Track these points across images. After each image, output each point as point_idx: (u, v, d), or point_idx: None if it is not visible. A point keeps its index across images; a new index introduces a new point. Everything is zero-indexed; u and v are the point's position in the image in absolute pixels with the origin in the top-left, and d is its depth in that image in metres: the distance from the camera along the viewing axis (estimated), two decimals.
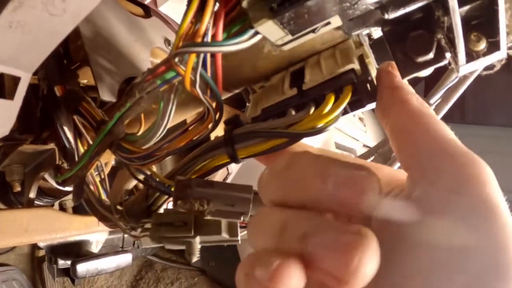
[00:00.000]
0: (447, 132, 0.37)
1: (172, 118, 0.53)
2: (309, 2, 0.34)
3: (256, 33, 0.40)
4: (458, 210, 0.33)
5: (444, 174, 0.34)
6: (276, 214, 0.35)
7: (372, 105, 0.46)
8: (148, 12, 0.85)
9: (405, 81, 0.43)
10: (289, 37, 0.39)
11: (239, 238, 0.54)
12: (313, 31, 0.39)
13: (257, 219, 0.37)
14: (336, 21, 0.39)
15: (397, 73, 0.44)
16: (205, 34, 0.40)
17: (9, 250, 1.54)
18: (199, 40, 0.40)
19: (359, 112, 1.75)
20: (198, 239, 0.54)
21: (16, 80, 0.44)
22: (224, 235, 0.53)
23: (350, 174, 0.32)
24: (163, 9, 0.76)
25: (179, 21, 0.79)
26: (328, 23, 0.39)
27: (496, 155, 3.34)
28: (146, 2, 0.72)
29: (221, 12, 0.41)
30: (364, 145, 2.22)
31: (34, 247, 1.33)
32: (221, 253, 2.07)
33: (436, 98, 1.00)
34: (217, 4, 0.41)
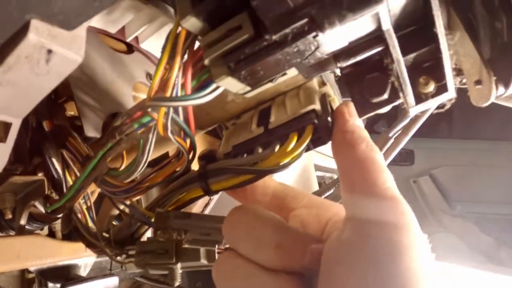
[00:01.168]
0: (384, 179, 0.40)
1: (152, 154, 0.57)
2: (261, 61, 0.38)
3: (218, 86, 0.44)
4: (369, 253, 0.38)
5: (366, 222, 0.39)
6: (229, 261, 0.46)
7: None
8: (130, 48, 0.88)
9: (359, 124, 0.46)
10: (249, 88, 0.43)
11: None
12: (270, 81, 0.42)
13: (217, 264, 0.48)
14: (292, 71, 0.42)
15: (352, 115, 0.46)
16: (174, 86, 0.44)
17: (0, 272, 1.55)
18: (168, 94, 0.44)
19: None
20: (179, 265, 0.57)
21: (7, 125, 0.48)
22: (203, 261, 0.56)
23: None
24: (144, 45, 0.79)
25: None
26: (285, 74, 0.42)
27: (484, 168, 3.37)
28: (128, 40, 0.76)
29: (189, 63, 0.45)
30: None
31: (24, 269, 1.34)
32: (207, 274, 2.08)
33: (395, 131, 1.04)
34: (187, 55, 0.45)
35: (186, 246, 0.54)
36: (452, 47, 0.46)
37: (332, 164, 1.88)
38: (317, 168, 1.75)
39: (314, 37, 0.36)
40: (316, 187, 1.65)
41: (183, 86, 0.45)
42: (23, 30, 0.35)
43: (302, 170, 1.50)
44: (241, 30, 0.37)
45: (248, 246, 0.45)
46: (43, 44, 0.36)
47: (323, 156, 1.74)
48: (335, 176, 2.02)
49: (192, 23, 0.39)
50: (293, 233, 0.44)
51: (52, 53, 0.37)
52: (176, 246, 0.56)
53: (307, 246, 0.43)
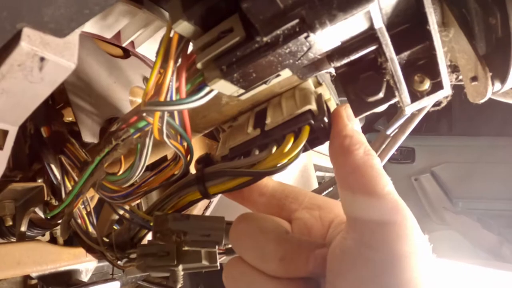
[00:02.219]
0: (383, 184, 0.40)
1: (150, 158, 0.57)
2: (253, 63, 0.38)
3: (212, 90, 0.44)
4: (371, 266, 0.39)
5: (367, 230, 0.40)
6: (236, 267, 0.48)
7: None
8: (126, 52, 0.88)
9: (357, 128, 0.46)
10: (242, 90, 0.43)
11: (218, 264, 0.58)
12: (264, 83, 0.42)
13: (226, 268, 0.50)
14: (285, 72, 0.42)
15: (351, 118, 0.46)
16: (168, 90, 0.44)
17: (2, 278, 1.55)
18: (162, 98, 0.44)
19: None
20: (181, 267, 0.57)
21: (4, 132, 0.49)
22: (205, 262, 0.56)
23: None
24: (140, 50, 0.79)
25: None
26: (278, 75, 0.42)
27: (485, 165, 3.37)
28: (124, 45, 0.76)
29: (183, 67, 0.45)
30: None
31: (27, 275, 1.34)
32: (209, 276, 2.08)
33: (392, 129, 1.04)
34: (180, 59, 0.45)
35: (185, 248, 0.54)
36: (446, 44, 0.46)
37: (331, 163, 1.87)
38: (317, 168, 1.75)
39: (306, 37, 0.36)
40: (316, 187, 1.65)
41: (178, 90, 0.45)
42: (15, 39, 0.35)
43: (302, 170, 1.50)
44: (233, 33, 0.37)
45: (253, 257, 0.46)
46: (35, 52, 0.36)
47: (323, 156, 1.74)
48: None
49: (183, 27, 0.38)
50: (295, 243, 0.45)
51: (45, 60, 0.37)
52: (177, 248, 0.56)
53: (310, 254, 0.44)
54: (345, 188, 0.42)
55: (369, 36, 0.40)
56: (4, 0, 0.32)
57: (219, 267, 0.58)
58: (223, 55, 0.39)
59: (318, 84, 0.57)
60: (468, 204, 3.38)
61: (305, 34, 0.36)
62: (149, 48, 0.79)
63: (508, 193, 3.27)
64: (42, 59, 0.37)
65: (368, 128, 3.40)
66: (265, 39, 0.36)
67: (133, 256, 0.65)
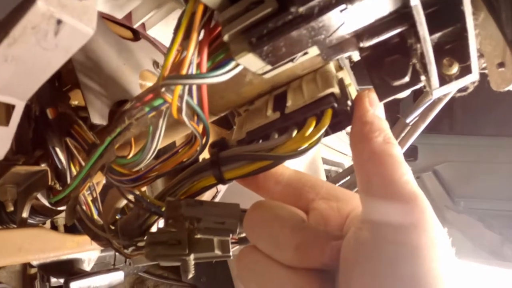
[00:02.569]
0: (401, 173, 0.39)
1: (161, 141, 0.55)
2: (285, 36, 0.36)
3: (238, 64, 0.42)
4: (387, 257, 0.37)
5: (383, 221, 0.38)
6: (250, 256, 0.47)
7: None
8: (137, 35, 0.87)
9: (379, 114, 0.45)
10: (269, 67, 0.41)
11: (231, 253, 0.56)
12: (291, 60, 0.41)
13: (239, 257, 0.48)
14: (313, 50, 0.40)
15: (374, 103, 0.45)
16: (190, 64, 0.42)
17: (1, 267, 1.54)
18: (183, 71, 0.42)
19: (348, 127, 1.78)
20: (192, 256, 0.55)
21: (10, 107, 0.46)
22: (217, 252, 0.55)
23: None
24: (151, 32, 0.77)
25: (167, 44, 0.81)
26: (306, 53, 0.40)
27: (487, 164, 3.38)
28: (135, 26, 0.74)
29: (205, 42, 0.43)
30: None
31: (26, 264, 1.33)
32: (212, 269, 2.08)
33: (412, 117, 1.03)
34: (202, 33, 0.43)
35: (198, 236, 0.52)
36: (477, 27, 0.45)
37: (339, 158, 1.88)
38: (325, 161, 1.74)
39: (342, 10, 0.35)
40: (324, 179, 1.65)
41: (199, 65, 0.43)
42: None
43: (311, 161, 1.49)
44: (264, 4, 0.36)
45: (267, 245, 0.45)
46: (52, 13, 0.34)
47: (331, 149, 1.73)
48: (341, 170, 2.02)
49: None
50: (311, 233, 0.44)
51: (61, 23, 0.35)
52: (188, 236, 0.54)
53: (326, 244, 0.43)
54: (363, 178, 0.41)
55: (402, 14, 0.39)
56: None
57: (231, 257, 0.56)
58: (253, 26, 0.37)
59: (339, 68, 0.55)
60: (470, 204, 3.39)
61: (341, 7, 0.34)
62: (160, 30, 0.78)
63: (510, 193, 3.29)
64: (59, 21, 0.35)
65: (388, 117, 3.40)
66: (300, 9, 0.35)
67: (141, 244, 0.63)
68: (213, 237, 0.54)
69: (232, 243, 0.55)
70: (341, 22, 0.36)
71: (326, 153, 1.72)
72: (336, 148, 1.70)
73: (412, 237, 0.36)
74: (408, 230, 0.37)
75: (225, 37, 0.38)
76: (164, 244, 0.54)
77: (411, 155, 3.35)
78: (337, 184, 1.17)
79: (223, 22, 0.38)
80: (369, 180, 0.40)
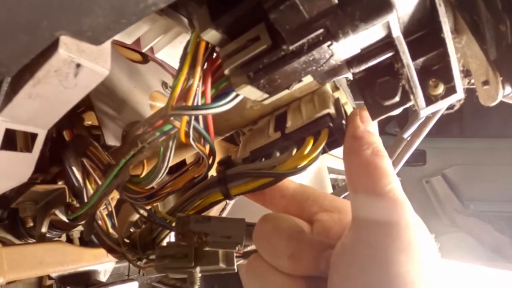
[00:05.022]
0: (386, 183, 0.41)
1: (172, 160, 0.59)
2: (279, 70, 0.40)
3: (238, 94, 0.46)
4: (360, 261, 0.40)
5: (365, 228, 0.41)
6: (255, 262, 0.49)
7: None
8: (145, 57, 0.90)
9: (371, 129, 0.47)
10: (267, 95, 0.45)
11: (235, 267, 0.59)
12: (287, 88, 0.44)
13: (247, 263, 0.51)
14: (307, 78, 0.44)
15: (365, 120, 0.48)
16: (195, 95, 0.46)
17: (17, 280, 1.56)
18: (189, 103, 0.46)
19: None
20: (198, 269, 0.58)
21: (34, 136, 0.51)
22: (222, 265, 0.57)
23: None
24: (159, 55, 0.80)
25: (174, 65, 0.85)
26: (301, 81, 0.44)
27: (495, 166, 3.34)
28: (143, 50, 0.78)
29: (208, 72, 0.47)
30: None
31: (42, 277, 1.35)
32: (224, 277, 2.10)
33: (409, 133, 1.06)
34: (206, 64, 0.47)
35: (206, 249, 0.55)
36: (459, 50, 0.48)
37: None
38: (331, 170, 1.76)
39: (329, 46, 0.38)
40: (330, 189, 1.66)
41: (203, 94, 0.47)
42: (53, 46, 0.37)
43: (316, 172, 1.51)
44: (260, 41, 0.39)
45: (267, 254, 0.48)
46: (72, 59, 0.38)
47: (336, 158, 1.75)
48: None
49: (212, 35, 0.40)
50: (307, 243, 0.47)
51: (80, 67, 0.39)
52: (195, 250, 0.58)
53: (321, 253, 0.45)
54: (350, 188, 0.44)
55: (386, 43, 0.41)
56: (45, 9, 0.34)
57: (236, 270, 0.59)
58: (250, 62, 0.41)
59: (335, 88, 0.58)
60: (479, 206, 3.36)
61: (328, 43, 0.37)
62: (168, 53, 0.81)
63: None
64: (78, 65, 0.39)
65: (380, 131, 3.39)
66: (291, 47, 0.38)
67: (152, 257, 0.67)
68: (220, 250, 0.57)
69: (237, 257, 0.59)
70: (329, 55, 0.40)
71: (332, 162, 1.74)
72: (340, 156, 1.71)
73: (386, 242, 0.38)
74: (384, 235, 0.39)
75: (226, 71, 0.42)
76: (172, 257, 0.57)
77: (419, 159, 3.34)
78: (345, 194, 1.20)
79: (223, 57, 0.42)
80: (355, 191, 0.42)
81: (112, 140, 0.72)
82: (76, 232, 1.18)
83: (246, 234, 0.54)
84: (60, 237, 1.14)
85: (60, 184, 0.87)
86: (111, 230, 0.76)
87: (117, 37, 0.73)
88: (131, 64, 0.85)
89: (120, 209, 0.98)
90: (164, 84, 0.90)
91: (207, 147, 0.54)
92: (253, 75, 0.41)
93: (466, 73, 0.54)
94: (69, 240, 1.17)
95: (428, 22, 0.41)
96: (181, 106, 0.47)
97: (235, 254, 0.58)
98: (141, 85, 0.84)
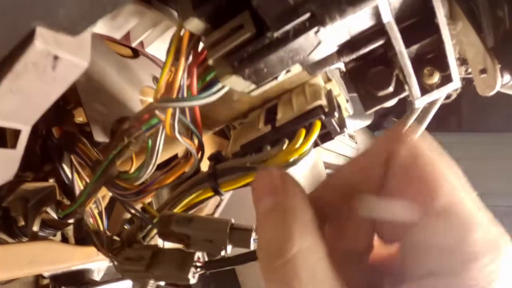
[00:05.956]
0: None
1: (161, 156, 0.57)
2: (265, 59, 0.39)
3: (223, 86, 0.45)
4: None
5: None
6: None
7: (342, 135, 0.50)
8: (136, 52, 0.89)
9: None
10: (253, 86, 0.43)
11: (189, 277, 0.54)
12: (275, 78, 0.43)
13: None
14: (296, 68, 0.42)
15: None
16: (180, 87, 0.44)
17: (14, 279, 1.55)
18: (174, 95, 0.44)
19: (350, 130, 1.76)
20: (152, 273, 0.56)
21: (17, 132, 0.49)
22: (176, 272, 0.54)
23: None
24: (149, 50, 0.79)
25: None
26: (289, 71, 0.42)
27: (495, 161, 3.35)
28: (133, 45, 0.76)
29: (194, 64, 0.45)
30: None
31: (39, 275, 1.35)
32: (221, 276, 2.09)
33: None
34: (191, 57, 0.45)
35: (191, 250, 0.53)
36: (455, 37, 0.46)
37: (342, 161, 1.88)
38: (326, 165, 1.74)
39: (316, 32, 0.37)
40: None
41: (189, 87, 0.45)
42: (29, 38, 0.36)
43: (312, 167, 1.50)
44: (243, 29, 0.38)
45: None
46: (49, 50, 0.37)
47: (332, 153, 1.73)
48: None
49: (194, 24, 0.39)
50: None
51: (58, 59, 0.38)
52: (153, 255, 0.56)
53: None
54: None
55: (378, 30, 0.40)
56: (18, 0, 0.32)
57: (190, 282, 0.55)
58: (234, 51, 0.39)
59: (327, 79, 0.57)
60: (481, 201, 3.36)
61: (315, 29, 0.36)
62: (158, 47, 0.80)
63: None
64: (55, 57, 0.37)
65: (379, 126, 3.39)
66: (275, 34, 0.37)
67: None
68: (179, 258, 0.54)
69: (198, 267, 0.55)
70: (317, 42, 0.38)
71: (328, 157, 1.72)
72: (338, 151, 1.70)
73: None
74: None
75: (210, 61, 0.41)
76: (131, 260, 0.56)
77: None
78: None
79: (208, 47, 0.40)
80: None
81: (101, 137, 0.70)
82: (71, 230, 1.17)
83: (230, 237, 0.51)
84: (54, 235, 1.12)
85: (51, 182, 0.85)
86: (102, 228, 0.75)
87: (106, 32, 0.72)
88: (121, 59, 0.84)
89: (114, 207, 0.97)
90: (155, 79, 0.88)
91: (196, 141, 0.53)
92: (238, 64, 0.39)
93: (463, 62, 0.53)
94: (65, 239, 1.16)
95: (421, 8, 0.40)
96: (165, 98, 0.45)
97: (196, 264, 0.54)
98: (132, 80, 0.83)
